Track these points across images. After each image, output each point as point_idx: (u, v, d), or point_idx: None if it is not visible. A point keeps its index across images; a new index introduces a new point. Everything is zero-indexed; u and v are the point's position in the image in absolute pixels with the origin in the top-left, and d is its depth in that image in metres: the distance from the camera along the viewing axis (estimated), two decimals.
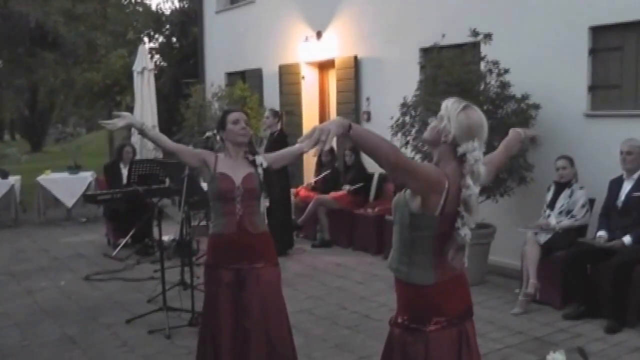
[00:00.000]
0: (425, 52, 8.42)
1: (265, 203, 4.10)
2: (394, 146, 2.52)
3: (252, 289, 3.92)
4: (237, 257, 3.94)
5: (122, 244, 8.79)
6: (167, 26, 17.46)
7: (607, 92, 6.71)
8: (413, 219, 2.69)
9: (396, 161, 2.48)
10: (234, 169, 3.96)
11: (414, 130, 7.29)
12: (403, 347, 2.77)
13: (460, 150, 2.67)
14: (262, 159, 4.08)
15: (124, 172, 9.13)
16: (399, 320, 2.82)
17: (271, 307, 3.99)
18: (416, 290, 2.75)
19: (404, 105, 7.40)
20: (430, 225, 2.67)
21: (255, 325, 3.90)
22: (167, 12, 18.06)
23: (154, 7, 19.10)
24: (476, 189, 2.66)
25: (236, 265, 3.94)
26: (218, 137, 4.07)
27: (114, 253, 8.64)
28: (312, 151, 2.42)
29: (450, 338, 2.74)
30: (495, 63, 6.83)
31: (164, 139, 4.08)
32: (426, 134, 2.80)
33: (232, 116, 4.03)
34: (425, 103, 7.02)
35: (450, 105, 2.74)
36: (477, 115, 2.75)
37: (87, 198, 9.23)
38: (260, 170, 4.05)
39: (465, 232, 2.66)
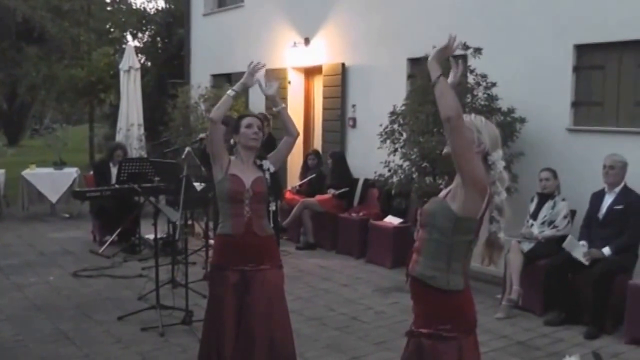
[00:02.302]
0: (413, 62, 8.64)
1: (272, 207, 4.22)
2: (461, 110, 2.72)
3: (258, 291, 4.02)
4: (243, 259, 4.03)
5: (109, 242, 8.85)
6: (152, 26, 17.47)
7: (589, 109, 6.99)
8: (458, 222, 2.79)
9: (458, 119, 2.67)
10: (245, 172, 4.07)
11: (402, 138, 7.50)
12: (437, 357, 2.83)
13: (492, 159, 2.88)
14: (269, 164, 4.20)
15: (114, 170, 9.18)
16: (430, 330, 2.86)
17: (276, 308, 4.09)
18: (450, 296, 2.84)
19: (393, 113, 7.61)
20: (471, 229, 2.83)
21: (260, 326, 3.99)
22: (152, 12, 18.08)
23: (137, 6, 19.04)
24: (505, 194, 2.87)
25: (242, 266, 4.03)
26: (232, 141, 4.19)
27: (101, 250, 8.68)
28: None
29: (474, 343, 2.91)
30: (484, 76, 7.06)
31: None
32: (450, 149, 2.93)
33: (246, 120, 4.12)
34: (414, 113, 7.23)
35: (473, 119, 2.94)
36: (495, 128, 3.00)
37: (76, 194, 9.27)
38: (267, 175, 4.19)
39: (502, 236, 2.87)
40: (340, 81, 10.10)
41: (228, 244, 4.09)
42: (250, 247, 4.04)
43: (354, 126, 10.00)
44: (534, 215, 6.55)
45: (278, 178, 8.14)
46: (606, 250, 5.88)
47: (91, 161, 15.48)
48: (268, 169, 4.19)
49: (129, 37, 17.92)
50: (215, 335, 4.09)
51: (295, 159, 11.12)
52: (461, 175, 2.77)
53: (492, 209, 2.85)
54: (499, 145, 2.92)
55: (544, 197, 6.55)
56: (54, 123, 18.14)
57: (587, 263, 5.89)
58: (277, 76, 11.32)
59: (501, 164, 2.88)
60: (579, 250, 5.98)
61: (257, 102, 11.76)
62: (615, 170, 6.01)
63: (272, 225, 4.32)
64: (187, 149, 6.28)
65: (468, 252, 2.90)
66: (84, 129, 20.54)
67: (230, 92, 4.06)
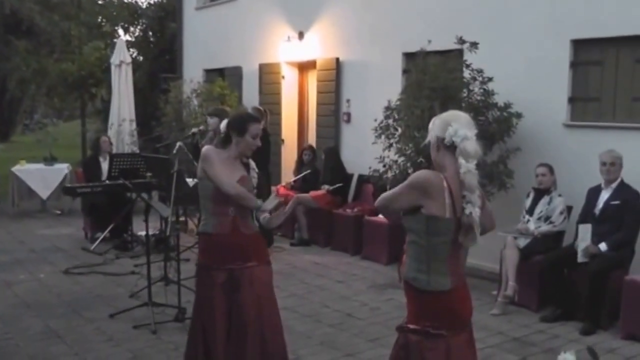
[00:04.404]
0: (408, 56, 8.57)
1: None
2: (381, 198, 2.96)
3: (247, 289, 3.98)
4: (230, 258, 3.99)
5: (100, 238, 8.76)
6: (144, 20, 17.34)
7: (586, 104, 6.93)
8: (428, 222, 2.78)
9: (378, 208, 3.00)
10: (231, 170, 4.00)
11: (397, 134, 7.43)
12: (422, 353, 2.83)
13: (447, 139, 2.83)
14: (253, 164, 4.18)
15: (104, 166, 9.10)
16: (417, 327, 2.87)
17: (265, 305, 4.05)
18: (435, 297, 2.83)
19: (387, 108, 7.54)
20: (445, 229, 2.78)
21: (251, 324, 3.95)
22: (143, 5, 17.95)
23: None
24: (471, 166, 2.77)
25: (229, 265, 3.99)
26: (224, 133, 4.08)
27: (93, 247, 8.59)
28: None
29: (465, 341, 2.86)
30: (480, 71, 6.99)
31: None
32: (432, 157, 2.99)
33: (254, 130, 4.01)
34: (409, 107, 7.16)
35: (429, 125, 2.99)
36: (449, 112, 3.00)
37: (66, 190, 9.17)
38: (253, 174, 4.13)
39: (470, 210, 2.78)
40: (335, 76, 10.01)
41: (214, 243, 4.05)
42: (237, 246, 4.00)
43: (348, 121, 9.92)
44: (530, 211, 6.49)
45: (268, 172, 8.04)
46: (602, 246, 5.83)
47: (83, 157, 15.36)
48: (254, 169, 4.15)
49: (121, 31, 17.79)
50: (203, 336, 4.05)
51: (289, 155, 11.07)
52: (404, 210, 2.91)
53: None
54: (450, 121, 2.87)
55: (540, 193, 6.49)
56: (45, 118, 17.97)
57: (580, 260, 5.85)
58: (271, 71, 11.32)
59: (459, 136, 2.81)
60: (585, 242, 5.91)
61: (250, 98, 11.70)
62: (616, 166, 5.96)
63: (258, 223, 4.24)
64: (179, 144, 6.20)
65: (456, 251, 2.85)
66: (77, 124, 20.38)
67: (259, 203, 4.04)
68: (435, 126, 2.92)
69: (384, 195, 2.96)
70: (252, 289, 3.99)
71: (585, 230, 5.95)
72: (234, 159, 4.05)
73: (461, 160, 2.77)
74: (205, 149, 4.07)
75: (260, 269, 4.07)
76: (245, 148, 4.02)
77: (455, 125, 2.82)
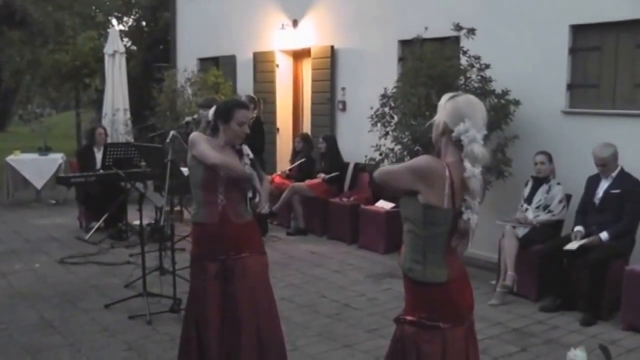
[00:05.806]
0: (404, 44, 8.48)
1: (249, 194, 4.07)
2: (381, 170, 2.86)
3: (240, 280, 3.91)
4: (222, 248, 3.91)
5: (95, 228, 8.71)
6: (137, 9, 17.20)
7: (585, 91, 6.85)
8: (425, 212, 2.69)
9: (379, 181, 2.83)
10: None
11: (393, 122, 7.37)
12: (417, 345, 2.77)
13: (454, 134, 2.69)
14: (248, 149, 4.06)
15: (98, 155, 9.03)
16: (413, 318, 2.80)
17: (260, 296, 3.99)
18: (431, 288, 2.75)
19: (384, 96, 7.47)
20: (443, 220, 2.69)
21: (245, 316, 3.89)
22: None
23: None
24: (476, 170, 2.65)
25: (222, 256, 3.92)
26: (211, 121, 3.99)
27: (87, 236, 8.53)
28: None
29: (463, 333, 2.79)
30: (477, 58, 6.91)
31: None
32: (432, 136, 2.86)
33: (240, 116, 3.90)
34: (405, 95, 7.09)
35: (441, 100, 2.81)
36: (465, 98, 2.79)
37: (60, 180, 9.10)
38: (247, 160, 4.03)
39: (468, 216, 2.68)
40: (330, 64, 9.91)
41: (205, 233, 3.97)
42: (228, 236, 3.92)
43: (343, 109, 9.84)
44: (529, 200, 6.43)
45: (260, 163, 7.90)
46: (604, 235, 5.75)
47: (78, 147, 15.30)
48: (247, 154, 4.04)
49: (114, 21, 17.63)
50: (196, 326, 3.98)
51: (284, 144, 10.99)
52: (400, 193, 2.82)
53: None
54: (465, 116, 2.70)
55: (538, 181, 6.43)
56: (38, 108, 17.85)
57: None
58: (265, 59, 11.21)
59: (468, 137, 2.66)
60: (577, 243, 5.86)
61: (245, 86, 11.60)
62: (608, 165, 5.87)
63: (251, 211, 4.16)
64: (172, 132, 6.11)
65: (450, 243, 2.78)
66: (72, 115, 20.30)
67: (248, 170, 3.94)
68: (447, 111, 2.74)
69: (384, 168, 2.86)
70: (246, 280, 3.92)
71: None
72: (222, 146, 3.94)
73: (467, 164, 2.64)
74: (192, 135, 3.98)
75: (254, 259, 3.99)
76: (232, 136, 3.92)
77: (468, 122, 2.67)
